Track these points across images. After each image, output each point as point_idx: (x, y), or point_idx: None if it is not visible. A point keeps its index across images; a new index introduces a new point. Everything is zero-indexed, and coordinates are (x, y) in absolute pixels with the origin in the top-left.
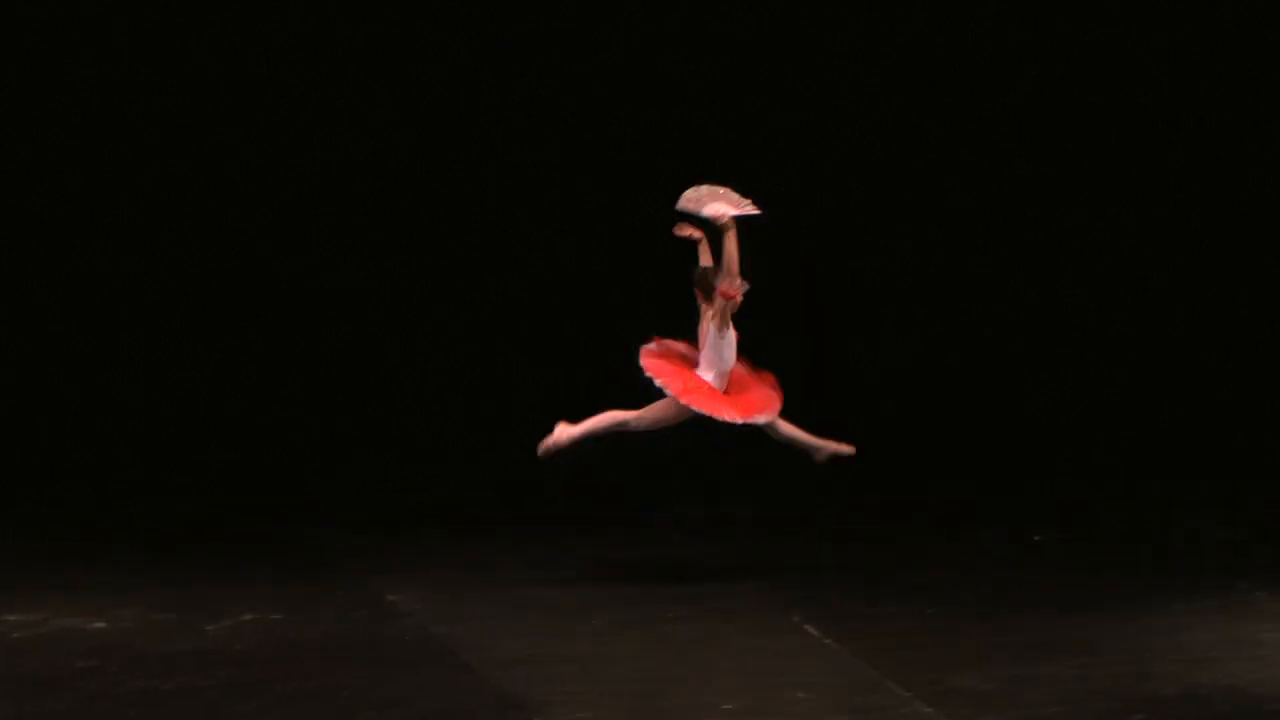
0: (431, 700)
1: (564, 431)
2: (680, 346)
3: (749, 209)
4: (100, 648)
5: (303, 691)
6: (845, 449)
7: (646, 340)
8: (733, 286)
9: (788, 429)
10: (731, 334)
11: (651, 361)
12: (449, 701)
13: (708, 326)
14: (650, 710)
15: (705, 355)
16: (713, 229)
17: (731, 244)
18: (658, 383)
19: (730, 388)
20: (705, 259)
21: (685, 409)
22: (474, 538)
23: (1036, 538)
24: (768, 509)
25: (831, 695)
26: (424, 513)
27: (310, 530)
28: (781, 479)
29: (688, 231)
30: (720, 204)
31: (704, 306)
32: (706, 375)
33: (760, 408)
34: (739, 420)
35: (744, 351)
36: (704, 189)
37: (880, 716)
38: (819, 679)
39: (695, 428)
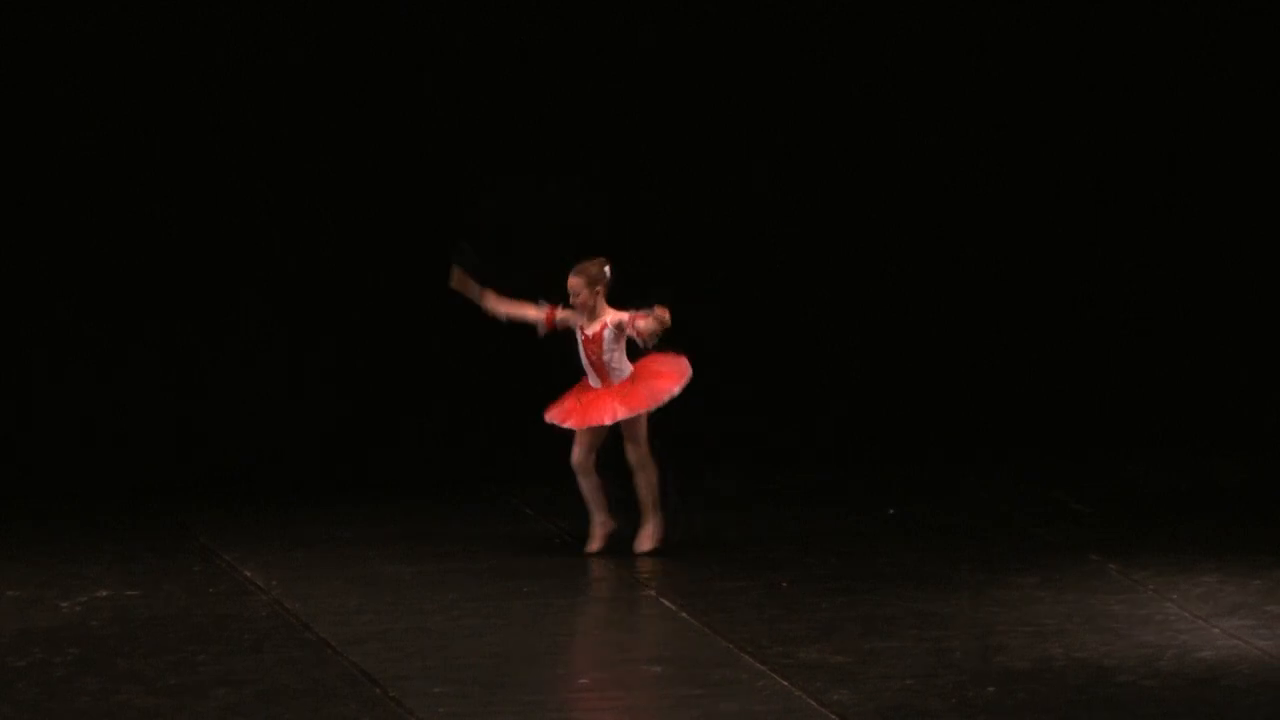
0: (286, 676)
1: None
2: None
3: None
4: None
5: (156, 668)
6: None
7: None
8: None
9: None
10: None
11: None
12: (303, 677)
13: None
14: (506, 684)
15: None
16: None
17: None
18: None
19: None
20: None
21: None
22: (328, 515)
23: (891, 511)
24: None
25: (687, 668)
26: (278, 489)
27: (165, 507)
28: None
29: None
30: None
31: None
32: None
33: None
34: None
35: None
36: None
37: (736, 690)
38: (674, 652)
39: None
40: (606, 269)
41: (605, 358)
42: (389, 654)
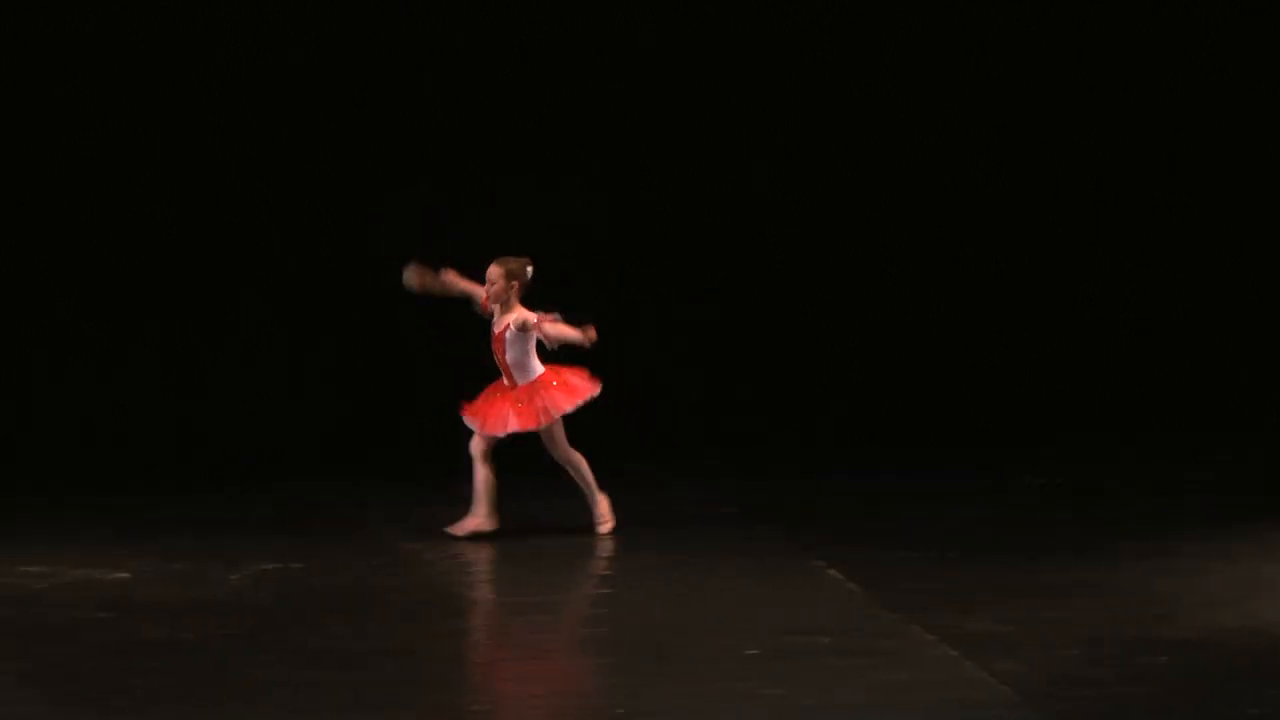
0: (449, 647)
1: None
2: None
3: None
4: (120, 598)
5: (319, 640)
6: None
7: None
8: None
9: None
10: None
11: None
12: (467, 648)
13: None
14: (674, 655)
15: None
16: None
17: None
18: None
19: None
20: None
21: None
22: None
23: (1041, 482)
24: (777, 458)
25: (856, 639)
26: (447, 467)
27: (331, 483)
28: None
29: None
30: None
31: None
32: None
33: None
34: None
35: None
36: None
37: (904, 659)
38: (842, 623)
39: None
40: (529, 269)
41: (508, 357)
42: (552, 625)
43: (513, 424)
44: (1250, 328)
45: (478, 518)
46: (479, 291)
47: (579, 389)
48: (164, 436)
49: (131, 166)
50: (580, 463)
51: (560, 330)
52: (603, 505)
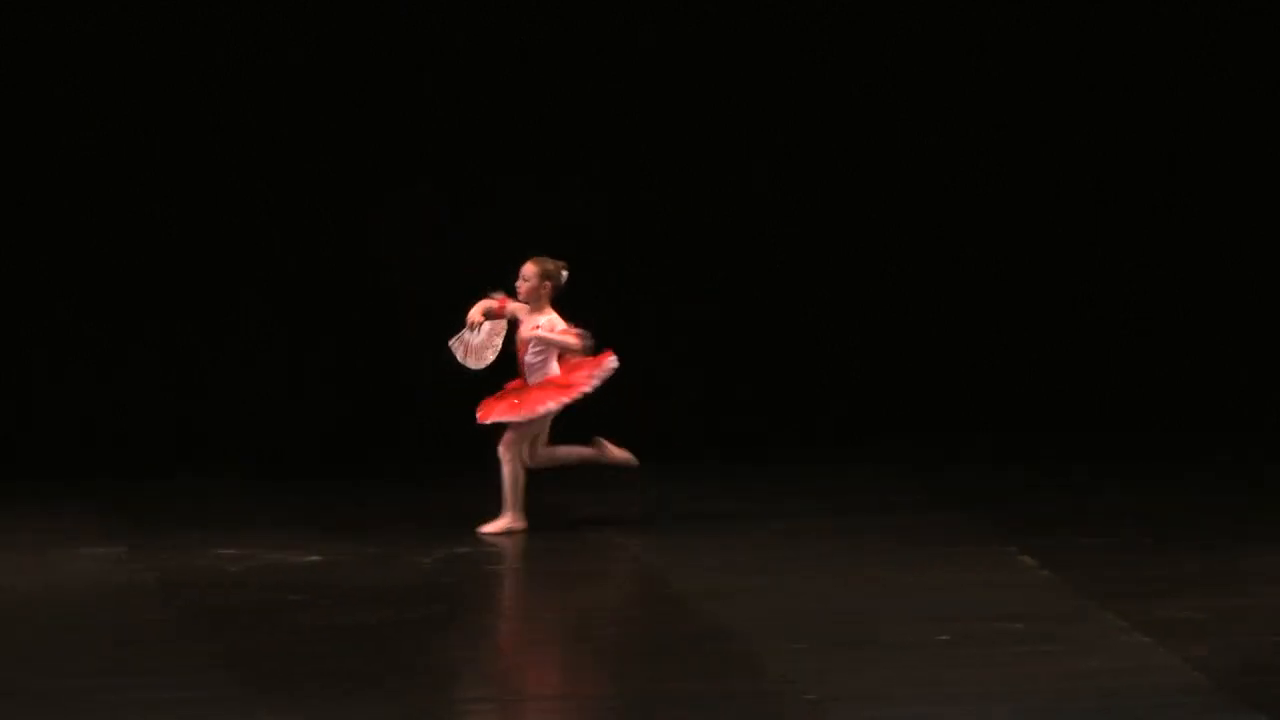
0: (646, 631)
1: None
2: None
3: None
4: (312, 582)
5: (515, 623)
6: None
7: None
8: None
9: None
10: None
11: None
12: (664, 632)
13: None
14: (866, 641)
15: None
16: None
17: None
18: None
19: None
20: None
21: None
22: (682, 471)
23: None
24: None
25: (1047, 625)
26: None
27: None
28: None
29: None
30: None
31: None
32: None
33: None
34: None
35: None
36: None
37: (1097, 646)
38: (1034, 609)
39: None
40: (564, 274)
41: (527, 357)
42: (749, 610)
43: (496, 413)
44: (1250, 328)
45: (507, 517)
46: (488, 302)
47: (569, 388)
48: (164, 436)
49: (131, 166)
50: (520, 474)
51: (563, 339)
52: (506, 521)
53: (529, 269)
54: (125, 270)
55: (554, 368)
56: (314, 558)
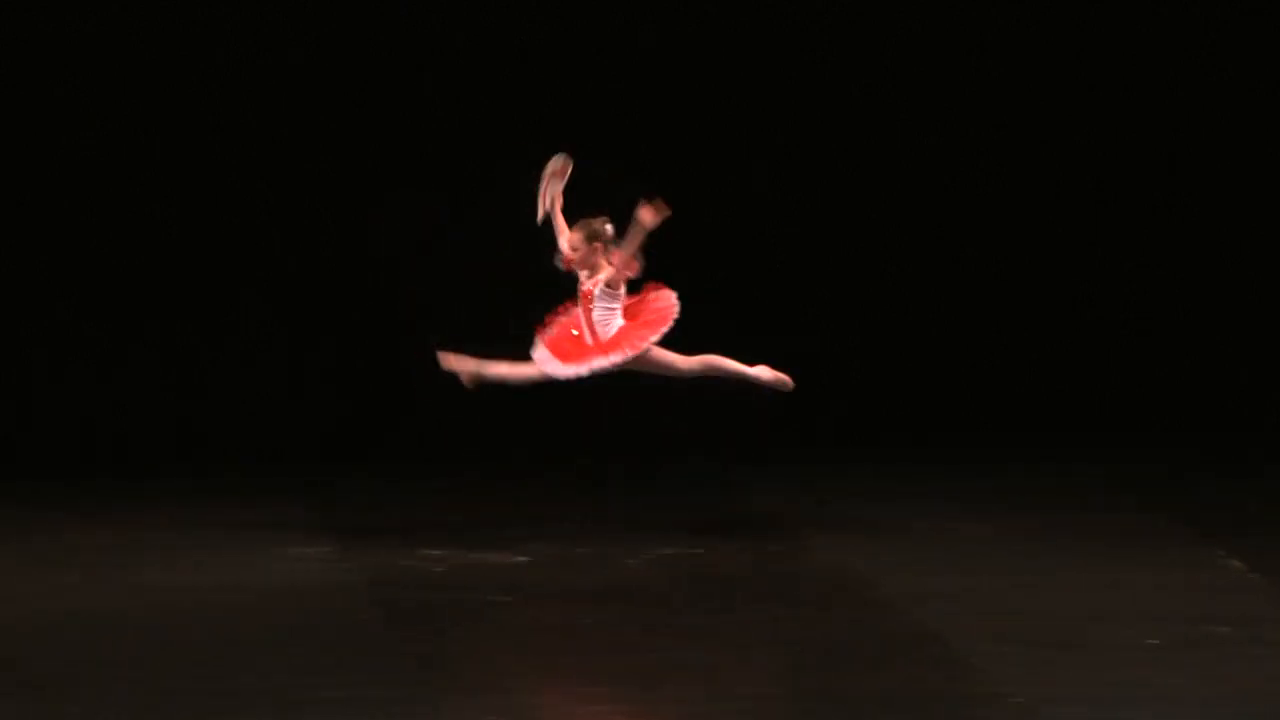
0: (850, 633)
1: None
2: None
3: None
4: (519, 581)
5: (718, 625)
6: (780, 377)
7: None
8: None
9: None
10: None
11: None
12: (868, 635)
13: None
14: (1074, 644)
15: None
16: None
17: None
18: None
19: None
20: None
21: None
22: (888, 472)
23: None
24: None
25: (1256, 628)
26: (838, 450)
27: (729, 466)
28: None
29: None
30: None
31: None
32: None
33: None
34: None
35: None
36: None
37: None
38: (1242, 612)
39: None
40: (608, 226)
41: (594, 314)
42: (954, 612)
43: (615, 359)
44: (1250, 328)
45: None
46: (561, 241)
47: (652, 323)
48: (164, 436)
49: (131, 166)
50: (709, 360)
51: (627, 250)
52: (763, 372)
53: (574, 238)
54: (125, 270)
55: (619, 320)
56: (520, 558)
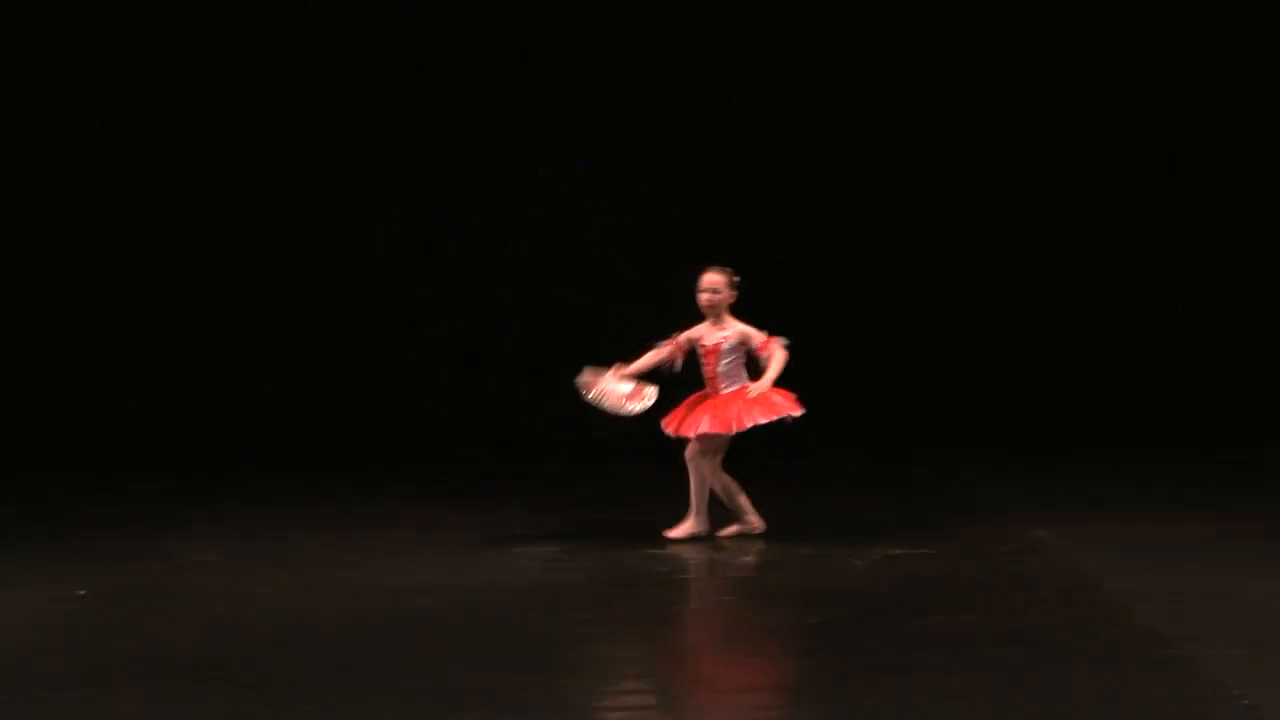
0: (1075, 635)
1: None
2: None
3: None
4: (745, 581)
5: (941, 626)
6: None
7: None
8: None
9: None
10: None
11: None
12: (1093, 636)
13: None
14: None
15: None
16: None
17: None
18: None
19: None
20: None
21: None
22: (1101, 466)
23: None
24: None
25: None
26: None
27: (960, 467)
28: None
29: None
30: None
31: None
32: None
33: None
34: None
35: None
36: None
37: None
38: None
39: None
40: (737, 279)
41: (720, 367)
42: (1180, 614)
43: (704, 426)
44: (1250, 328)
45: (696, 525)
46: (663, 355)
47: (777, 406)
48: (164, 436)
49: (131, 166)
50: (707, 480)
51: (778, 355)
52: (690, 526)
53: (717, 279)
54: (125, 270)
55: (744, 375)
56: (747, 558)
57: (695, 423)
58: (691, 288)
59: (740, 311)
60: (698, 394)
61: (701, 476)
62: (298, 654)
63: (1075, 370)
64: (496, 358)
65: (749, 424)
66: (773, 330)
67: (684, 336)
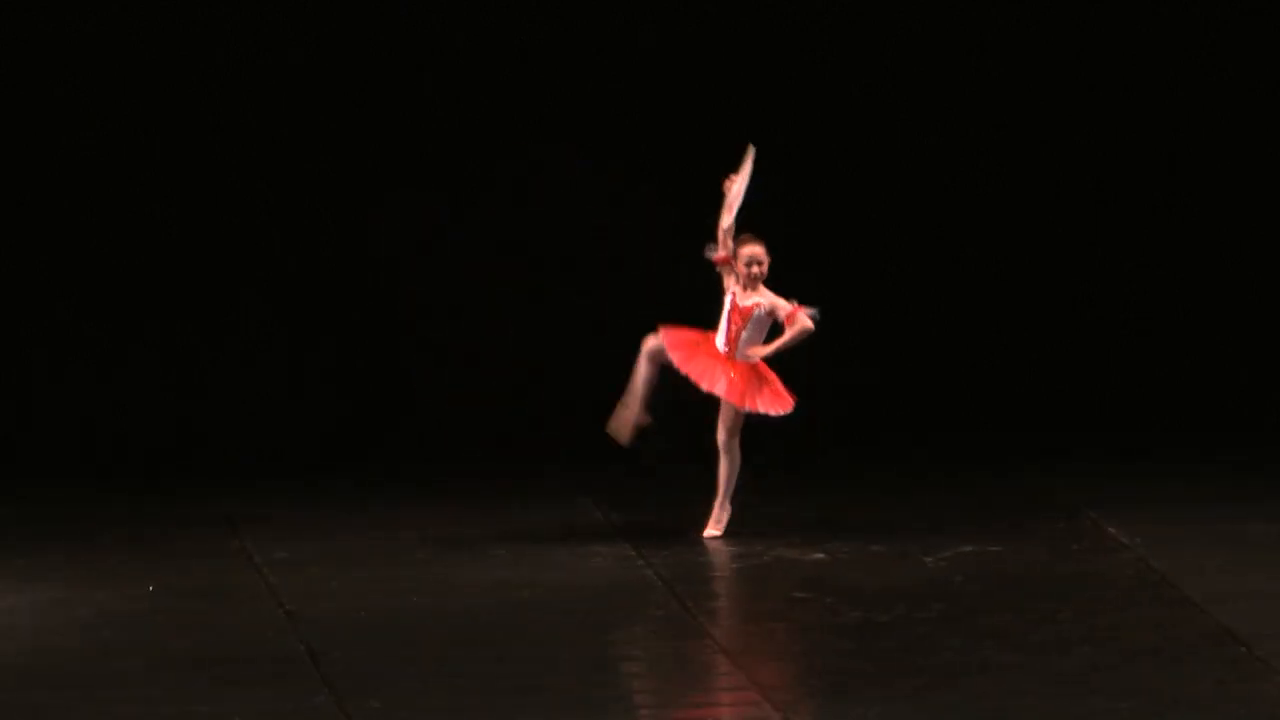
0: (1150, 634)
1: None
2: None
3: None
4: (816, 579)
5: (1019, 624)
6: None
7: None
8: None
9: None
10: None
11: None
12: (1167, 635)
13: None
14: None
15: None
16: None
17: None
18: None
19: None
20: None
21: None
22: (1189, 472)
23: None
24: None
25: None
26: (1136, 447)
27: (1027, 465)
28: None
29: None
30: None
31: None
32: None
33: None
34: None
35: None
36: None
37: None
38: None
39: None
40: (765, 255)
41: (744, 333)
42: (1256, 613)
43: (720, 388)
44: (1250, 328)
45: (634, 413)
46: (722, 232)
47: (783, 399)
48: (164, 436)
49: (131, 166)
50: (735, 464)
51: (803, 324)
52: (723, 511)
53: (760, 251)
54: (125, 270)
55: (758, 350)
56: (818, 555)
57: (713, 377)
58: (692, 287)
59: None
60: (705, 337)
61: (735, 462)
62: (394, 655)
63: (1075, 370)
64: (496, 358)
65: (759, 409)
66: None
67: (728, 265)
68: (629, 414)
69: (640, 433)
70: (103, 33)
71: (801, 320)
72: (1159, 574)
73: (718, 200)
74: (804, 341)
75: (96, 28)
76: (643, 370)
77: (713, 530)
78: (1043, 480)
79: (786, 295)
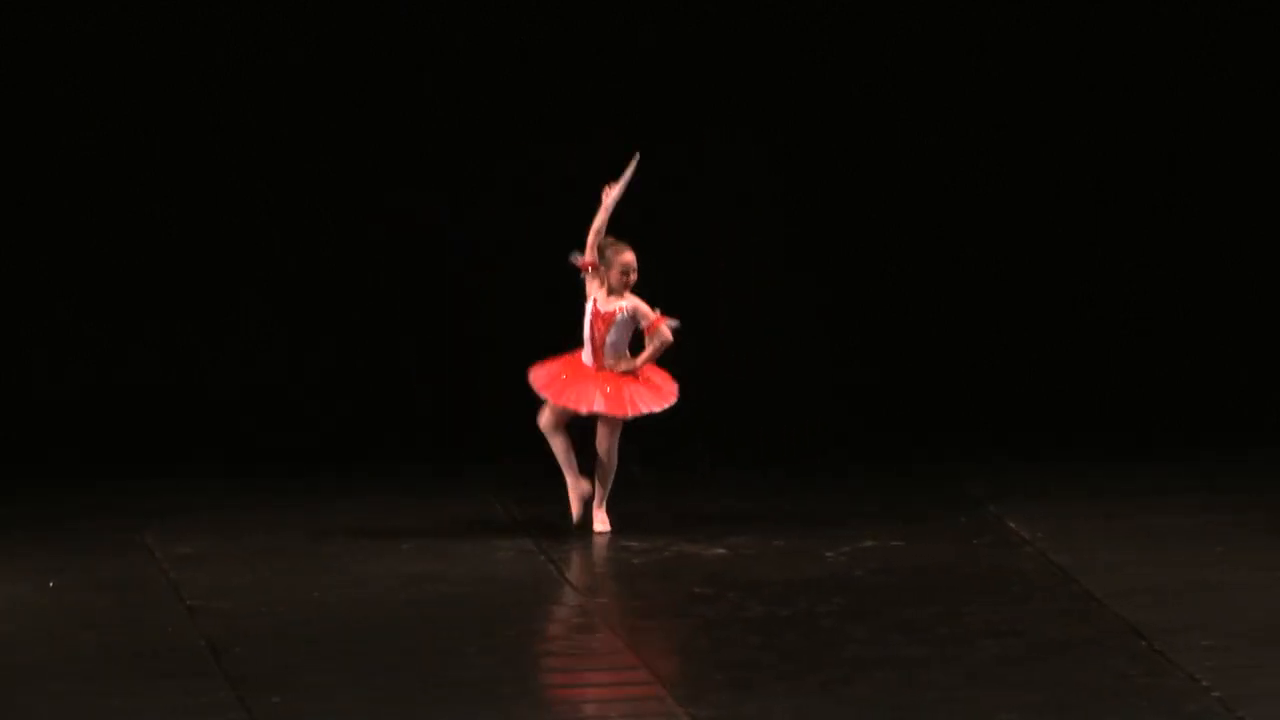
0: (1053, 628)
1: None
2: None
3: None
4: (718, 574)
5: (923, 618)
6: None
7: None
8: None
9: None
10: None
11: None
12: (1071, 629)
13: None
14: (1274, 640)
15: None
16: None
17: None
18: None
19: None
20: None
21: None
22: (1085, 462)
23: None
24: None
25: None
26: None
27: (926, 458)
28: None
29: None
30: None
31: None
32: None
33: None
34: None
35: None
36: None
37: None
38: None
39: None
40: (634, 261)
41: (609, 337)
42: (1157, 607)
43: (599, 405)
44: (1250, 328)
45: (577, 489)
46: (590, 240)
47: (664, 392)
48: (164, 436)
49: (131, 166)
50: (613, 467)
51: (664, 336)
52: (583, 508)
53: (633, 260)
54: (125, 270)
55: (628, 353)
56: (720, 550)
57: (587, 397)
58: (690, 287)
59: (740, 310)
60: (570, 356)
61: (564, 440)
62: (296, 650)
63: (1074, 370)
64: (498, 357)
65: (643, 410)
66: (778, 330)
67: (591, 273)
68: (572, 493)
69: (585, 504)
70: (103, 33)
71: (662, 332)
72: (1062, 568)
73: (715, 201)
74: (666, 352)
75: (96, 28)
76: (555, 445)
77: (601, 526)
78: (948, 476)
79: (777, 298)
